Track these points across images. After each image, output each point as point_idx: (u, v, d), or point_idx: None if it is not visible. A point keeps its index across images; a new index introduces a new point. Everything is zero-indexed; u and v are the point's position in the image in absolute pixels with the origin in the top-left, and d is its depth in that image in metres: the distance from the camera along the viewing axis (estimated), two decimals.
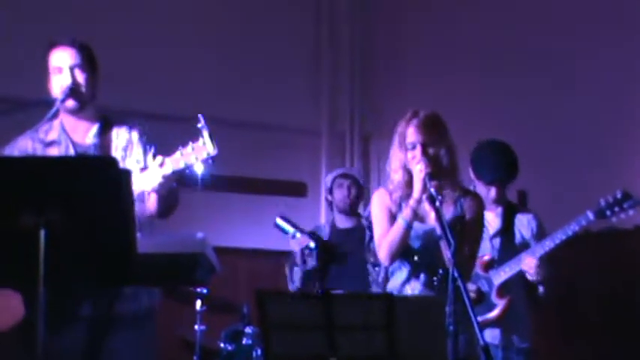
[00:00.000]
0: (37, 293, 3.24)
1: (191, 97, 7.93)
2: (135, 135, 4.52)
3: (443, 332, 3.99)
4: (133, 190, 3.44)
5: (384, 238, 4.67)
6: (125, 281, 3.72)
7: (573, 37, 7.17)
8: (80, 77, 4.43)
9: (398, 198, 4.70)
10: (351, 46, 8.86)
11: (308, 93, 8.69)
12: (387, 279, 4.83)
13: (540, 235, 5.56)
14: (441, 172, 4.59)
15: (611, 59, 6.94)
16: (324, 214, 8.42)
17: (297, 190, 8.54)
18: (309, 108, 8.68)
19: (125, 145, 4.49)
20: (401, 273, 4.71)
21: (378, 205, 4.78)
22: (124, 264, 3.39)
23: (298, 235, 5.97)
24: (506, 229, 5.61)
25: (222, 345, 6.28)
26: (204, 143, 3.97)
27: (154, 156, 4.30)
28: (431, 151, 4.63)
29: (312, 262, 6.00)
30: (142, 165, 4.29)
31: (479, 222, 4.80)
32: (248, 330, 6.25)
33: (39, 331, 3.26)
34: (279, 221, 6.07)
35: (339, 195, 6.54)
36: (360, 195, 6.62)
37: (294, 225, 6.01)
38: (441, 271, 4.59)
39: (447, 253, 4.39)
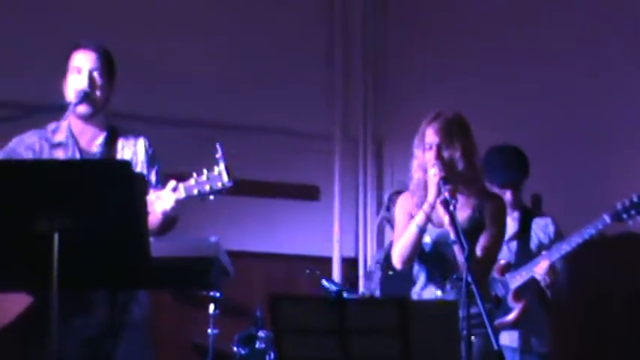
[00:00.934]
0: (50, 297, 3.24)
1: (203, 101, 7.94)
2: (141, 148, 4.49)
3: (457, 337, 3.98)
4: (146, 194, 3.45)
5: (395, 243, 4.66)
6: (139, 285, 3.72)
7: (586, 38, 7.15)
8: (97, 82, 4.43)
9: (418, 198, 4.69)
10: (364, 50, 8.84)
11: (321, 96, 8.68)
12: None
13: (558, 239, 5.56)
14: (456, 176, 4.58)
15: (625, 60, 6.92)
16: (337, 218, 8.41)
17: (310, 194, 8.54)
18: (322, 112, 8.67)
19: (130, 157, 4.46)
20: (420, 277, 4.72)
21: (400, 210, 4.78)
22: (137, 268, 3.39)
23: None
24: (523, 233, 5.61)
25: (235, 349, 6.27)
26: (219, 173, 3.95)
27: (157, 172, 4.30)
28: (446, 153, 4.60)
29: None
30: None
31: (499, 225, 4.75)
32: (261, 334, 6.24)
33: (52, 335, 3.26)
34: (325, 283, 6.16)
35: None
36: None
37: (336, 284, 6.08)
38: (454, 276, 4.58)
39: (460, 258, 4.38)
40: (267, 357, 6.14)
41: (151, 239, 3.42)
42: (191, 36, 8.04)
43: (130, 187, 3.29)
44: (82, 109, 4.40)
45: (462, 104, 7.44)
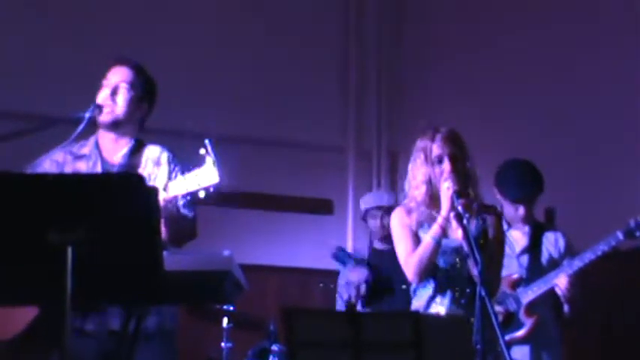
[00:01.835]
0: (63, 311, 3.24)
1: (218, 115, 7.94)
2: (164, 160, 4.52)
3: (470, 351, 3.97)
4: (159, 208, 3.45)
5: (410, 257, 4.64)
6: (152, 299, 3.72)
7: (597, 51, 7.14)
8: (122, 94, 4.46)
9: (419, 215, 4.68)
10: (378, 63, 8.85)
11: (335, 110, 8.69)
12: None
13: (569, 253, 5.55)
14: (467, 186, 4.58)
15: (636, 74, 6.91)
16: (351, 232, 8.41)
17: (323, 207, 8.54)
18: (336, 125, 8.68)
19: (152, 170, 4.48)
20: (426, 290, 4.69)
21: (398, 225, 4.75)
22: (150, 282, 3.39)
23: (356, 266, 6.02)
24: (534, 248, 5.59)
25: None
26: (208, 169, 3.95)
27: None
28: (459, 164, 4.62)
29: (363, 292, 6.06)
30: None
31: (501, 239, 4.77)
32: (275, 348, 6.24)
33: (65, 348, 3.26)
34: (338, 253, 6.12)
35: (374, 225, 6.54)
36: None
37: (350, 256, 6.06)
38: (467, 290, 4.57)
39: (474, 271, 4.37)
40: None
41: (164, 253, 3.42)
42: (207, 50, 8.07)
43: (144, 201, 3.29)
44: (104, 118, 4.43)
45: (476, 117, 7.49)
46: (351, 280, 6.18)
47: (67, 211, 3.27)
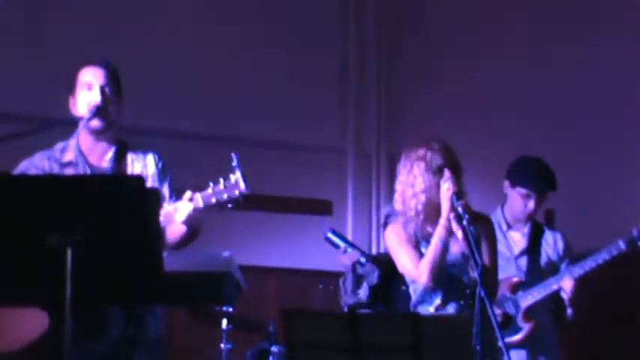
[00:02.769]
0: (63, 313, 3.24)
1: (217, 116, 7.94)
2: (150, 162, 4.50)
3: (470, 353, 3.96)
4: (159, 210, 3.44)
5: (421, 263, 4.62)
6: (152, 300, 3.72)
7: (597, 51, 7.14)
8: (109, 97, 4.43)
9: (416, 227, 4.68)
10: (378, 65, 8.84)
11: (334, 111, 8.68)
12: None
13: (567, 255, 5.54)
14: (462, 193, 4.60)
15: (636, 74, 6.91)
16: (350, 234, 8.40)
17: (323, 208, 8.53)
18: (336, 127, 8.67)
19: (140, 172, 4.46)
20: (434, 297, 4.69)
21: (395, 239, 4.75)
22: (150, 283, 3.39)
23: (349, 250, 5.96)
24: (533, 250, 5.58)
25: None
26: (236, 181, 3.97)
27: (170, 185, 4.31)
28: (457, 174, 4.63)
29: (373, 279, 5.97)
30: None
31: (494, 244, 4.78)
32: (274, 349, 6.22)
33: (65, 353, 3.26)
34: (331, 235, 6.05)
35: None
36: None
37: (345, 239, 6.00)
38: (467, 292, 4.57)
39: (473, 273, 4.38)
40: None
41: (164, 254, 3.42)
42: (205, 50, 8.05)
43: (144, 202, 3.29)
44: (95, 123, 4.40)
45: (477, 120, 7.48)
46: (345, 263, 6.12)
47: (67, 212, 3.27)
